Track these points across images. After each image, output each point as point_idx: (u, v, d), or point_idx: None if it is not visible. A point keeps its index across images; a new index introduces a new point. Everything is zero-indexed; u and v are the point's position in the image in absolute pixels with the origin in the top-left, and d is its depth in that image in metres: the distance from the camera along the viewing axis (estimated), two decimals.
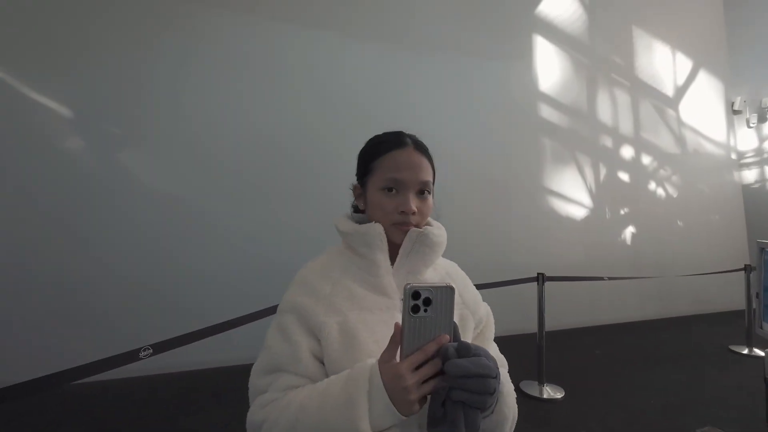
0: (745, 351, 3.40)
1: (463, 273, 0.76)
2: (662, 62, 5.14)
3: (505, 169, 4.09)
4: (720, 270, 4.06)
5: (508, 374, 0.66)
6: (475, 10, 4.06)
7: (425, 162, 0.66)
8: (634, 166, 4.85)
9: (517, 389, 2.56)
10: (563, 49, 4.49)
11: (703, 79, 5.44)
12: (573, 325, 4.14)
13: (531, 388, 2.60)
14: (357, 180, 0.71)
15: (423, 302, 0.46)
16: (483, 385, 0.44)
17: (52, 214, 2.66)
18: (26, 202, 2.62)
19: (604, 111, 4.70)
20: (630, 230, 4.73)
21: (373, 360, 0.50)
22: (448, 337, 0.46)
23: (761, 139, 5.60)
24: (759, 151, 5.62)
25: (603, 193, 4.60)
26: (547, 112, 4.37)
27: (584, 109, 4.59)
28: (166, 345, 1.36)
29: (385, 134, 0.69)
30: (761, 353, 3.32)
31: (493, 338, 0.72)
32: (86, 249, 2.72)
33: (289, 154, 3.27)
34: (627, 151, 4.82)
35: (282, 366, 0.58)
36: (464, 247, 3.71)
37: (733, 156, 5.66)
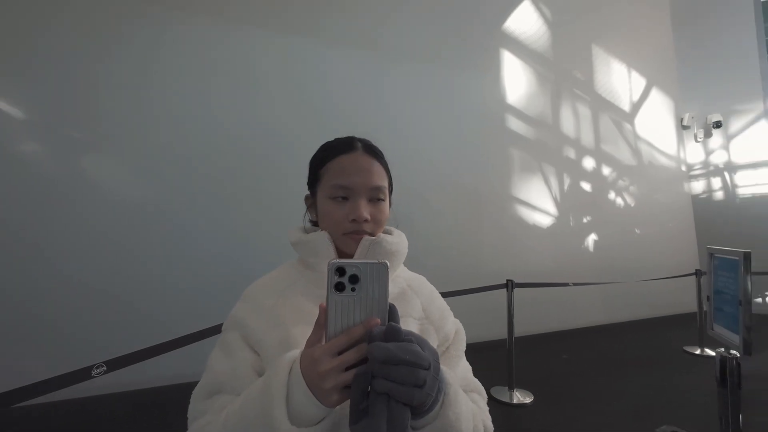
0: (698, 351, 3.61)
1: (431, 287, 0.70)
2: (619, 79, 5.46)
3: (477, 178, 4.18)
4: (674, 275, 4.31)
5: (482, 402, 0.62)
6: (446, 23, 4.16)
7: (377, 166, 0.62)
8: (595, 176, 5.09)
9: (488, 395, 2.58)
10: (529, 63, 4.68)
11: (656, 96, 5.82)
12: (541, 330, 4.25)
13: (501, 393, 2.63)
14: (308, 189, 0.68)
15: (349, 280, 0.41)
16: (409, 374, 0.37)
17: (3, 220, 2.47)
18: None
19: (567, 123, 4.92)
20: (592, 237, 4.95)
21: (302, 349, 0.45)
22: (378, 320, 0.41)
23: (707, 153, 6.06)
24: (705, 164, 6.08)
25: (567, 202, 4.79)
26: (515, 123, 4.52)
27: (549, 122, 4.79)
28: (122, 361, 1.27)
29: (336, 140, 0.66)
30: (713, 353, 3.53)
31: (462, 356, 0.65)
32: (40, 257, 2.54)
33: (265, 160, 3.20)
34: (588, 162, 5.06)
35: (223, 386, 0.54)
36: (438, 255, 3.77)
37: (683, 168, 6.07)
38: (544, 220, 4.61)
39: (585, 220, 4.93)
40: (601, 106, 5.24)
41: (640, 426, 2.26)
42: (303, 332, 0.52)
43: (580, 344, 3.97)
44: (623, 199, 5.33)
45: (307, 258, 0.63)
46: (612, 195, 5.24)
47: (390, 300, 0.42)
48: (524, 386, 2.73)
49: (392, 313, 0.42)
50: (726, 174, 5.97)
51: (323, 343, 0.42)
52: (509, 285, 2.81)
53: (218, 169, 3.06)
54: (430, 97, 4.00)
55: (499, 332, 2.87)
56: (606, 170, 5.20)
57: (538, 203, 4.58)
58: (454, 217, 4.00)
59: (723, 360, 1.12)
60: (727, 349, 1.17)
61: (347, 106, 3.52)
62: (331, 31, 3.60)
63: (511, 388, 2.65)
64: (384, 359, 0.37)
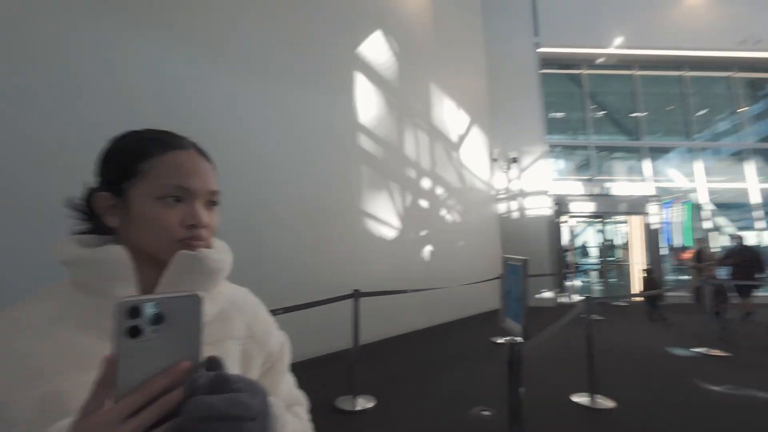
0: (501, 341, 4.48)
1: (255, 300, 0.64)
2: (449, 114, 6.46)
3: (325, 193, 4.25)
4: (486, 279, 5.26)
5: (303, 411, 0.61)
6: (303, 38, 4.16)
7: (211, 169, 0.56)
8: (430, 195, 5.84)
9: (332, 406, 2.62)
10: (378, 88, 5.10)
11: (475, 132, 7.12)
12: (383, 336, 4.57)
13: (345, 402, 2.69)
14: (104, 187, 0.52)
15: (150, 321, 0.33)
16: (232, 429, 0.33)
17: None
18: None
19: (409, 147, 5.53)
20: (428, 249, 5.63)
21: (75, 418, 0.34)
22: (188, 363, 0.34)
23: (508, 181, 7.88)
24: (507, 190, 7.91)
25: (408, 217, 5.34)
26: (365, 142, 4.82)
27: (395, 144, 5.29)
28: None
29: (150, 131, 0.55)
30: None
31: (287, 371, 0.64)
32: None
33: (77, 165, 2.51)
34: (426, 183, 5.78)
35: None
36: (285, 268, 3.65)
37: (493, 192, 7.57)
38: (388, 233, 5.02)
39: (422, 233, 5.58)
40: (436, 135, 6.09)
41: (458, 410, 2.64)
42: (79, 382, 0.40)
43: (413, 346, 4.43)
44: (451, 216, 6.27)
45: (92, 281, 0.48)
46: (443, 212, 6.10)
47: (209, 320, 0.36)
48: (367, 392, 2.86)
49: (217, 363, 0.37)
50: (519, 199, 7.87)
51: (110, 404, 0.32)
52: (356, 295, 2.92)
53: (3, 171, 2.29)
54: (279, 111, 3.88)
55: (347, 342, 2.95)
56: (439, 190, 6.03)
57: (383, 218, 4.96)
58: (303, 232, 3.96)
59: (511, 346, 1.40)
60: (513, 336, 1.47)
61: (184, 108, 3.09)
62: (171, 25, 3.15)
63: (354, 396, 2.74)
64: (206, 417, 0.32)
